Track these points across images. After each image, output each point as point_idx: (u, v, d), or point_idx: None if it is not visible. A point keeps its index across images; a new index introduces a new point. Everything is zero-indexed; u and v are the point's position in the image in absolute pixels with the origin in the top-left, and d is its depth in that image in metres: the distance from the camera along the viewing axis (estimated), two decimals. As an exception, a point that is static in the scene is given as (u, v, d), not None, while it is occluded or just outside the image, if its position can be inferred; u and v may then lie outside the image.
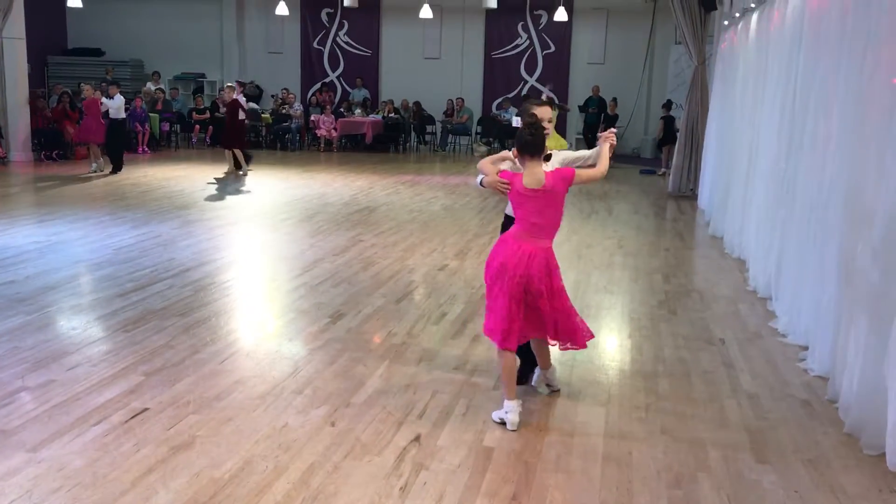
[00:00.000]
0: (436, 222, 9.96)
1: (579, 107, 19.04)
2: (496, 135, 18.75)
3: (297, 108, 19.28)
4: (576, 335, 4.22)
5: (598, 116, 17.95)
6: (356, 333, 5.49)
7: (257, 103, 20.03)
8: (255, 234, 9.00)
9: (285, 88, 19.90)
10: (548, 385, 4.50)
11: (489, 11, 18.86)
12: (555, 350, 4.61)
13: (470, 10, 19.60)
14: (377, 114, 19.37)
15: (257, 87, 20.82)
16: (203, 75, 20.87)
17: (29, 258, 7.37)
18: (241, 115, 14.22)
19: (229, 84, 14.43)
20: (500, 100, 19.88)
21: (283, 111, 19.12)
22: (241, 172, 13.94)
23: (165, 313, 5.78)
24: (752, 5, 8.81)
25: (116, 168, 13.71)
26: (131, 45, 20.60)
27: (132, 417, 4.00)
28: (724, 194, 9.41)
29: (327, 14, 20.85)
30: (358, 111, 19.28)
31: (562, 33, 19.77)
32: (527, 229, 4.05)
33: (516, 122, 4.28)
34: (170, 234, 8.63)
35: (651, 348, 5.38)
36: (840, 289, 4.55)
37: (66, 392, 4.28)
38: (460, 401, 4.35)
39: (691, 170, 12.90)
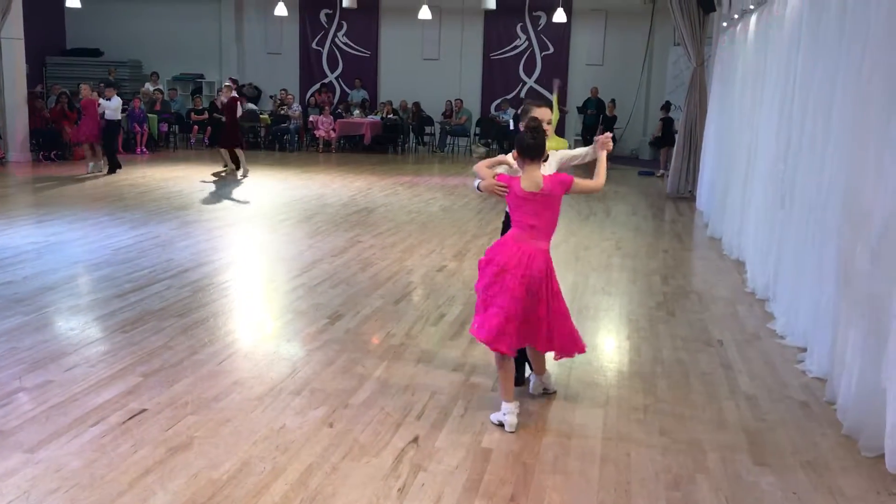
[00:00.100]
0: (434, 223, 9.96)
1: (578, 108, 19.05)
2: (495, 136, 18.76)
3: (296, 108, 19.28)
4: (568, 344, 4.19)
5: (596, 118, 17.96)
6: (354, 334, 5.49)
7: (256, 104, 20.04)
8: (254, 235, 9.00)
9: (284, 89, 19.90)
10: (544, 391, 4.49)
11: (488, 12, 18.88)
12: (550, 354, 4.61)
13: (469, 12, 19.61)
14: (376, 115, 19.38)
15: (256, 87, 20.82)
16: (202, 76, 20.87)
17: (27, 259, 7.37)
18: (240, 112, 14.22)
19: (227, 84, 14.38)
20: (498, 101, 19.88)
21: (282, 112, 19.12)
22: (240, 174, 13.91)
23: (164, 314, 5.78)
24: (751, 7, 8.82)
25: (113, 168, 13.71)
26: (130, 46, 20.59)
27: (130, 418, 4.00)
28: (723, 196, 9.42)
29: (326, 15, 20.85)
30: (357, 112, 19.28)
31: (560, 34, 19.78)
32: (524, 231, 4.06)
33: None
34: (168, 235, 8.62)
35: (649, 350, 5.38)
36: (838, 290, 4.55)
37: (63, 393, 4.28)
38: (458, 402, 4.35)
39: (690, 171, 12.90)
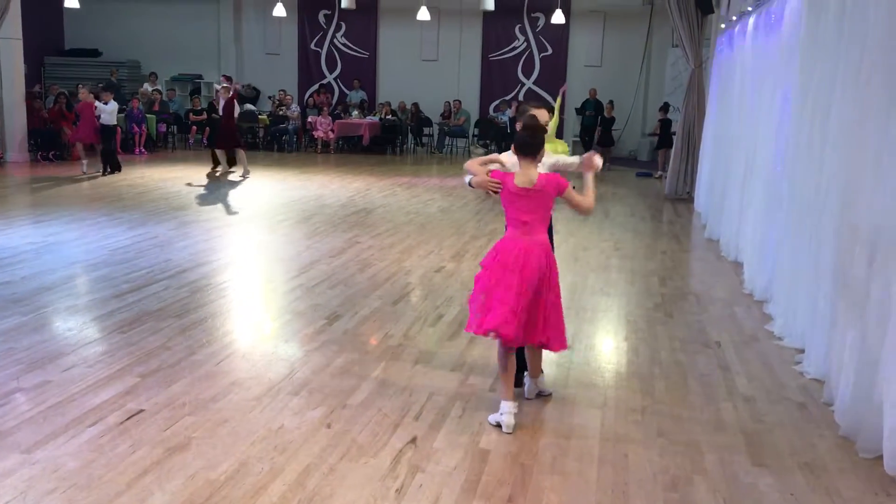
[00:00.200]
0: (433, 224, 9.96)
1: (576, 109, 19.05)
2: (493, 137, 18.76)
3: (295, 109, 19.27)
4: (557, 337, 4.19)
5: (594, 119, 17.96)
6: (352, 335, 5.49)
7: (254, 104, 20.03)
8: (252, 236, 9.00)
9: (282, 90, 19.89)
10: (539, 394, 4.49)
11: (486, 14, 18.88)
12: (550, 352, 4.62)
13: (467, 13, 19.61)
14: (374, 115, 19.38)
15: (254, 88, 20.81)
16: (200, 76, 20.85)
17: (25, 259, 7.36)
18: (236, 112, 14.17)
19: (224, 85, 14.30)
20: (497, 102, 19.88)
21: (281, 113, 19.11)
22: (240, 174, 13.88)
23: (161, 314, 5.77)
24: (749, 9, 8.83)
25: (115, 169, 13.68)
26: (128, 46, 20.58)
27: (128, 419, 3.99)
28: (721, 197, 9.42)
29: (325, 15, 20.85)
30: (355, 113, 19.28)
31: (559, 36, 19.79)
32: (518, 227, 4.10)
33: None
34: (166, 236, 8.62)
35: (647, 351, 5.38)
36: (836, 292, 4.56)
37: (61, 393, 4.27)
38: (456, 403, 4.35)
39: (688, 172, 12.91)
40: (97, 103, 13.68)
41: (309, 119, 19.15)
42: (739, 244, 8.10)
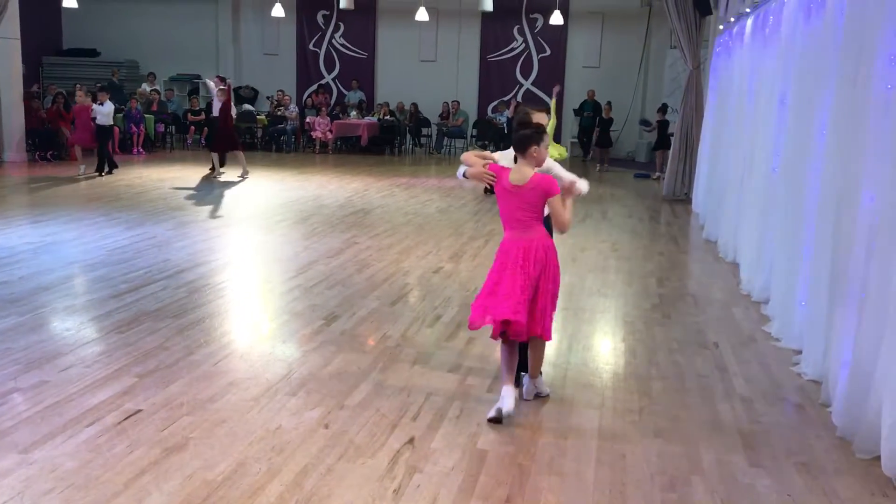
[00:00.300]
0: (431, 225, 9.97)
1: (574, 110, 19.08)
2: (491, 138, 18.77)
3: (293, 109, 19.27)
4: (547, 327, 4.24)
5: (593, 120, 17.99)
6: (350, 336, 5.49)
7: (253, 105, 20.02)
8: (250, 236, 9.00)
9: (281, 90, 19.89)
10: (537, 394, 4.49)
11: (485, 14, 18.89)
12: (548, 353, 4.63)
13: (466, 13, 19.62)
14: (373, 116, 19.38)
15: (253, 88, 20.81)
16: (199, 76, 20.82)
17: (22, 259, 7.35)
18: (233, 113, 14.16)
19: (221, 87, 14.23)
20: (495, 103, 19.88)
21: (279, 113, 19.11)
22: (239, 175, 13.85)
23: (159, 315, 5.77)
24: (747, 10, 8.84)
25: (111, 167, 13.64)
26: (127, 46, 20.56)
27: (125, 419, 3.99)
28: (719, 198, 9.44)
29: (323, 16, 20.85)
30: (353, 113, 19.28)
31: (557, 37, 19.80)
32: (514, 227, 4.19)
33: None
34: (164, 236, 8.61)
35: (645, 352, 5.39)
36: (833, 293, 4.56)
37: (58, 393, 4.27)
38: (454, 403, 4.35)
39: (686, 174, 12.92)
40: (94, 105, 13.63)
41: (307, 119, 19.15)
42: (737, 245, 8.11)
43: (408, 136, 20.00)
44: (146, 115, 17.58)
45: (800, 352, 5.25)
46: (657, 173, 15.71)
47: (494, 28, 20.12)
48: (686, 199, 12.65)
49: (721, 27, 11.49)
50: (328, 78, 21.15)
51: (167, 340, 5.21)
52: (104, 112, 13.54)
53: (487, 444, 3.88)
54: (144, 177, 13.52)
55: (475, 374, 4.81)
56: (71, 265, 7.26)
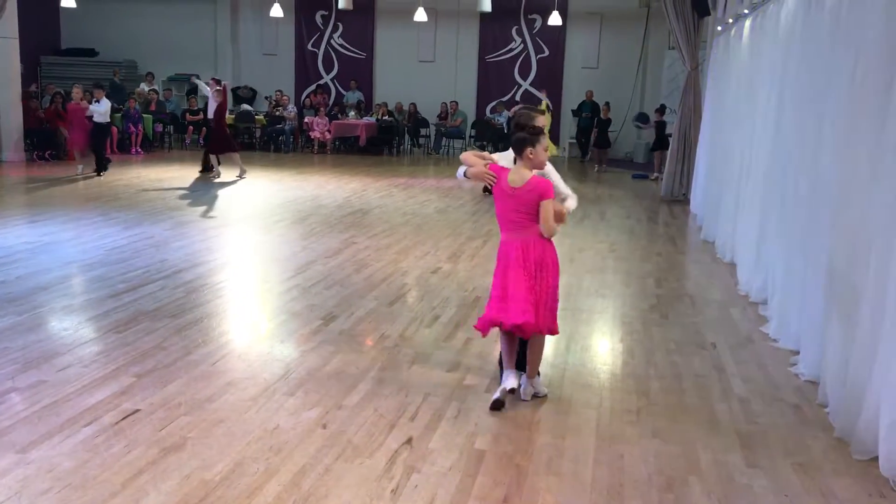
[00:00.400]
0: (429, 225, 9.97)
1: (573, 111, 19.09)
2: (490, 138, 18.79)
3: (291, 110, 19.27)
4: (548, 321, 4.30)
5: (591, 121, 18.01)
6: (348, 336, 5.49)
7: (251, 105, 20.01)
8: (248, 236, 8.99)
9: (279, 90, 19.88)
10: (535, 395, 4.49)
11: (483, 15, 18.89)
12: (546, 353, 4.64)
13: (464, 14, 19.62)
14: (371, 116, 19.38)
15: (251, 88, 20.80)
16: (197, 76, 20.81)
17: (20, 258, 7.35)
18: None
19: (217, 88, 14.20)
20: (493, 103, 19.90)
21: (277, 113, 19.10)
22: (237, 175, 13.85)
23: (157, 314, 5.77)
24: (746, 11, 8.85)
25: (101, 168, 13.41)
26: (125, 46, 20.55)
27: (123, 419, 3.99)
28: (717, 199, 9.44)
29: (322, 16, 20.85)
30: (352, 113, 19.28)
31: (556, 37, 19.81)
32: (510, 229, 4.27)
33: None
34: (162, 236, 8.61)
35: (643, 352, 5.39)
36: (830, 294, 4.57)
37: (56, 393, 4.27)
38: (452, 403, 4.35)
39: (684, 174, 12.93)
40: (92, 104, 13.56)
41: (306, 119, 19.15)
42: (735, 246, 8.11)
43: (406, 136, 20.01)
44: (144, 115, 17.57)
45: (797, 352, 5.25)
46: (655, 174, 15.72)
47: (493, 28, 20.12)
48: (684, 200, 12.65)
49: (719, 28, 11.50)
50: (327, 78, 21.15)
51: (165, 340, 5.21)
52: (101, 110, 13.46)
53: (485, 444, 3.88)
54: (142, 176, 13.51)
55: (473, 374, 4.81)
56: (69, 265, 7.26)
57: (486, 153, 4.54)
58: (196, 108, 18.39)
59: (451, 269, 7.60)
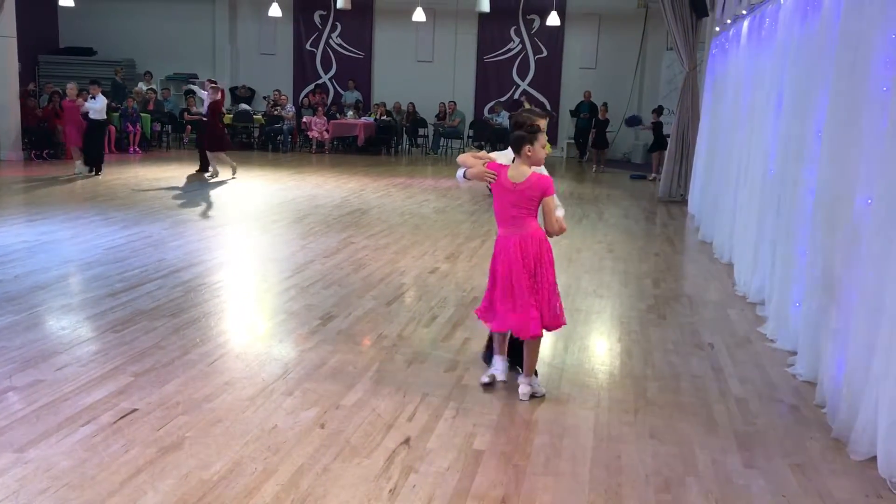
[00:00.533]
0: (427, 225, 9.97)
1: (571, 111, 19.10)
2: (488, 138, 18.80)
3: (290, 109, 19.26)
4: (551, 316, 4.38)
5: (589, 121, 18.03)
6: (347, 336, 5.49)
7: (249, 104, 20.00)
8: (246, 236, 8.99)
9: (277, 90, 19.88)
10: (533, 395, 4.49)
11: (482, 15, 18.91)
12: (543, 352, 4.65)
13: (463, 14, 19.63)
14: (369, 116, 19.38)
15: (249, 88, 20.79)
16: (195, 76, 20.79)
17: (18, 257, 7.34)
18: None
19: (213, 86, 14.16)
20: (492, 103, 19.92)
21: (275, 113, 19.10)
22: (231, 174, 13.85)
23: (155, 314, 5.76)
24: (744, 12, 8.86)
25: (95, 170, 13.29)
26: (123, 45, 20.55)
27: (121, 418, 3.99)
28: (714, 199, 9.46)
29: (320, 16, 20.85)
30: (350, 113, 19.28)
31: (554, 38, 19.83)
32: (507, 225, 4.33)
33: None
34: (160, 235, 8.60)
35: (640, 352, 5.39)
36: (828, 294, 4.57)
37: (54, 392, 4.26)
38: (450, 403, 4.35)
39: (681, 175, 12.95)
40: (87, 101, 13.49)
41: (304, 119, 19.15)
42: (733, 246, 8.12)
43: (404, 136, 20.01)
44: (143, 115, 17.56)
45: (795, 353, 5.26)
46: (653, 174, 15.74)
47: (491, 29, 20.14)
48: (682, 201, 12.67)
49: (717, 29, 11.51)
50: (325, 78, 21.15)
51: (163, 339, 5.21)
52: (97, 107, 13.35)
53: (483, 444, 3.89)
54: (140, 176, 13.50)
55: (471, 374, 4.81)
56: (67, 264, 7.25)
57: (483, 153, 4.57)
58: (195, 109, 18.35)
59: (450, 269, 7.61)
